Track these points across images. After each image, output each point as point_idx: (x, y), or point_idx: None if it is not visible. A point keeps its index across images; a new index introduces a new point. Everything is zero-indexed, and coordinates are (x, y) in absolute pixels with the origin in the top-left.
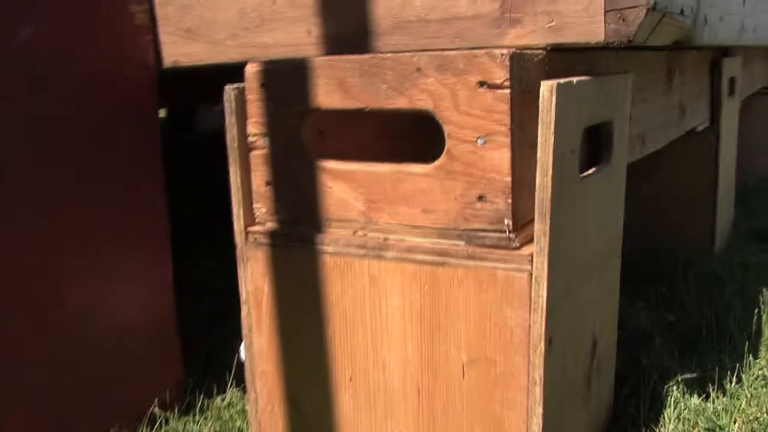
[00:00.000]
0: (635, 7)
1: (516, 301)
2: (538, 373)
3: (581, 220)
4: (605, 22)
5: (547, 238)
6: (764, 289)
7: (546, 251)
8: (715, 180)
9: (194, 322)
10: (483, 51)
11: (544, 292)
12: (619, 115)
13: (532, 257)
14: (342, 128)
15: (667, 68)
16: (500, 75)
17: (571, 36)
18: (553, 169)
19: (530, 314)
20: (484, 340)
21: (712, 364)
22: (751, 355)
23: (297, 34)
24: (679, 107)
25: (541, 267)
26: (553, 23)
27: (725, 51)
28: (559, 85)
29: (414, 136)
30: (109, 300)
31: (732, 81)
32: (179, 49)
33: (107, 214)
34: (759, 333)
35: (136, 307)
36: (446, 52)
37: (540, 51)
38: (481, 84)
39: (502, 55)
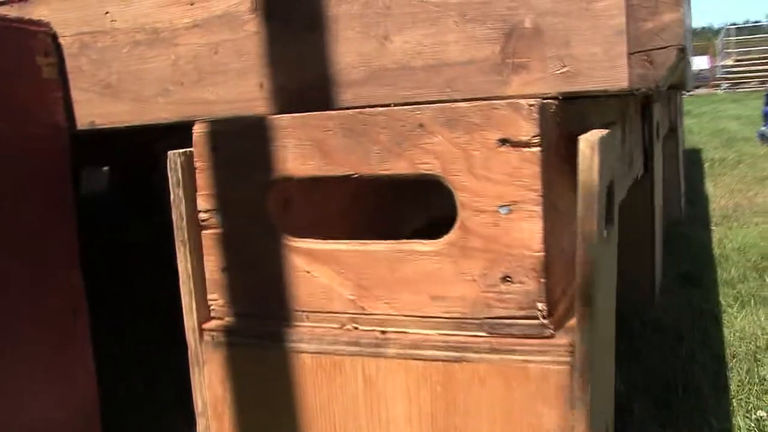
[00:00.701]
0: (665, 47)
1: (553, 399)
2: None
3: (608, 290)
4: (630, 66)
5: (593, 323)
6: (716, 336)
7: (589, 339)
8: (652, 227)
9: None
10: (504, 102)
11: (588, 387)
12: (617, 171)
13: (572, 346)
14: (309, 197)
15: (622, 116)
16: (528, 130)
17: (587, 83)
18: (597, 241)
19: (570, 413)
20: None
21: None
22: (735, 414)
23: (246, 87)
24: (629, 156)
25: (583, 358)
26: (565, 69)
27: (649, 96)
28: (601, 140)
29: (391, 200)
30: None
31: (658, 126)
32: (96, 108)
33: (10, 300)
34: (727, 387)
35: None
36: (456, 104)
37: (552, 101)
38: (503, 142)
39: (530, 105)
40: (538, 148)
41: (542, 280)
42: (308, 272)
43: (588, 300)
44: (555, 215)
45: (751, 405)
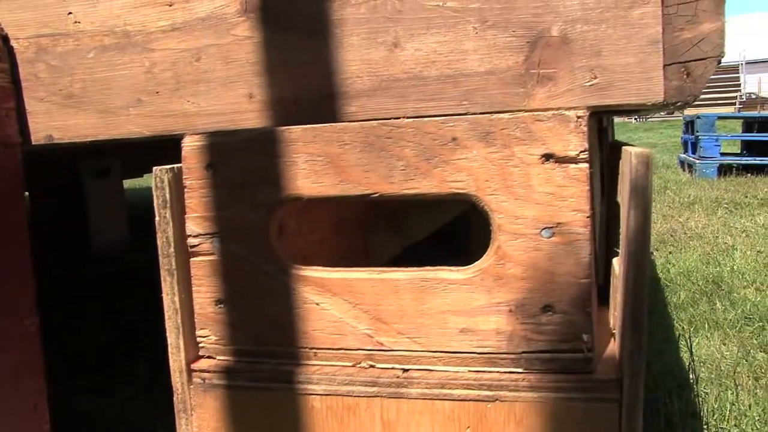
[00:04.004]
0: (703, 59)
1: None
2: None
3: None
4: (665, 79)
5: (643, 357)
6: (678, 362)
7: (642, 372)
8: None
9: None
10: (549, 113)
11: (639, 425)
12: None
13: (621, 382)
14: (300, 220)
15: (597, 134)
16: (576, 144)
17: (620, 96)
18: (648, 266)
19: None
20: None
21: None
22: None
23: (232, 98)
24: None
25: (634, 393)
26: (596, 80)
27: (600, 120)
28: (651, 155)
29: (371, 227)
30: None
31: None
32: (55, 121)
33: None
34: (696, 413)
35: None
36: (493, 116)
37: (585, 111)
38: (547, 157)
39: (579, 117)
40: (586, 165)
41: (588, 309)
42: (317, 304)
43: (640, 330)
44: (593, 237)
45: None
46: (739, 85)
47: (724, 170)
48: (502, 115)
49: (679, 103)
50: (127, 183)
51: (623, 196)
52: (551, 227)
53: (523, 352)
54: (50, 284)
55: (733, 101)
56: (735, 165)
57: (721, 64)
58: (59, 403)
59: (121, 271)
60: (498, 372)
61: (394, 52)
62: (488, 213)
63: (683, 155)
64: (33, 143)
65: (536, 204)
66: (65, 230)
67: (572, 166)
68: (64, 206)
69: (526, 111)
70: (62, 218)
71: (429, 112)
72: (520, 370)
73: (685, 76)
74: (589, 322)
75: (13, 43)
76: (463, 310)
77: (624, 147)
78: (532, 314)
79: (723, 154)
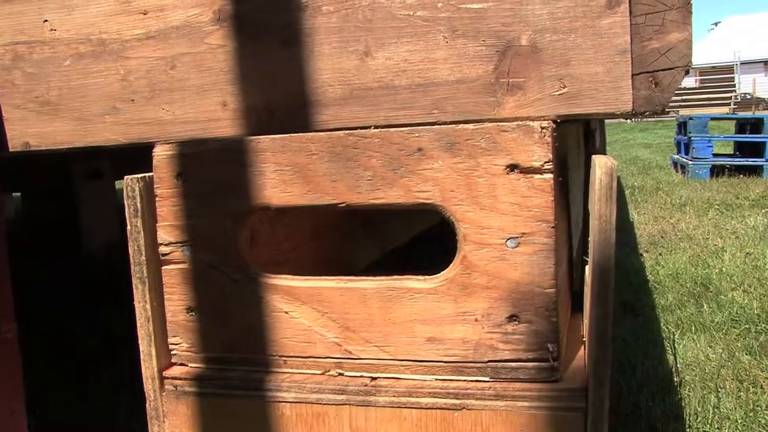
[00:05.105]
0: (671, 68)
1: None
2: None
3: None
4: (634, 88)
5: (608, 366)
6: (663, 365)
7: (607, 381)
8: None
9: None
10: (514, 124)
11: None
12: None
13: (586, 391)
14: (272, 232)
15: (578, 142)
16: (540, 155)
17: (589, 105)
18: (613, 276)
19: None
20: None
21: None
22: None
23: (206, 106)
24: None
25: (599, 403)
26: (565, 89)
27: (588, 123)
28: (615, 167)
29: (347, 233)
30: None
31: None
32: (32, 128)
33: None
34: (679, 417)
35: None
36: (459, 126)
37: (551, 123)
38: (512, 168)
39: (543, 128)
40: (551, 175)
41: (553, 319)
42: (286, 312)
43: (605, 341)
44: (558, 247)
45: None
46: (734, 86)
47: (716, 171)
48: (467, 126)
49: (647, 113)
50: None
51: (591, 205)
52: (516, 237)
53: (489, 361)
54: (40, 286)
55: (728, 101)
56: (728, 166)
57: (716, 65)
58: (38, 409)
59: (111, 273)
60: (465, 381)
61: (366, 61)
62: (454, 223)
63: (676, 156)
64: (10, 150)
65: (501, 214)
66: (56, 232)
67: (537, 176)
68: (56, 207)
69: (496, 119)
70: (54, 219)
71: (400, 120)
72: (486, 378)
73: (653, 86)
74: (555, 331)
75: None
76: (430, 318)
77: (593, 156)
78: (497, 323)
79: (716, 155)
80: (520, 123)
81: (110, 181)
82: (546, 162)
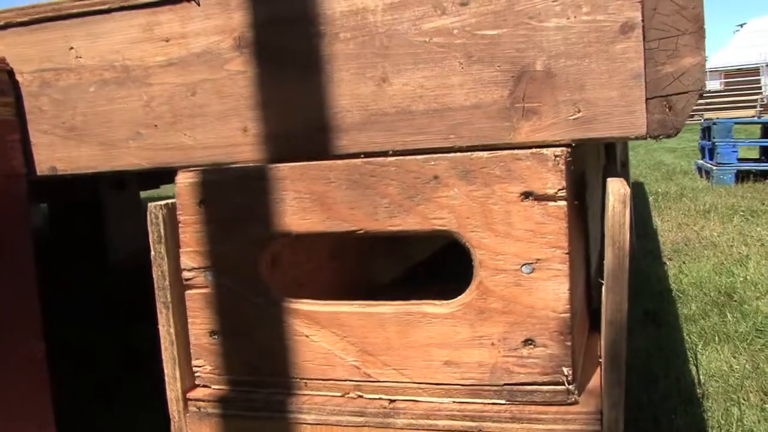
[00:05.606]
0: (685, 93)
1: None
2: None
3: None
4: (648, 112)
5: (622, 388)
6: (687, 376)
7: (621, 404)
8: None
9: None
10: (528, 152)
11: None
12: None
13: (601, 414)
14: (295, 249)
15: (597, 155)
16: (554, 182)
17: (603, 130)
18: (628, 301)
19: None
20: None
21: None
22: None
23: (227, 132)
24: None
25: (614, 426)
26: (580, 114)
27: None
28: (628, 194)
29: (369, 251)
30: None
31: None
32: (59, 152)
33: None
34: (703, 430)
35: None
36: (474, 154)
37: (565, 148)
38: (526, 195)
39: (556, 156)
40: (564, 203)
41: (568, 343)
42: (307, 336)
43: (619, 364)
44: (575, 274)
45: None
46: (761, 88)
47: (741, 176)
48: (481, 154)
49: (661, 136)
50: (145, 194)
51: (606, 231)
52: (531, 263)
53: (505, 384)
54: (67, 297)
55: (754, 104)
56: (753, 171)
57: (742, 67)
58: (63, 422)
59: (137, 284)
60: (481, 403)
61: (383, 86)
62: (470, 249)
63: (700, 161)
64: (38, 174)
65: (516, 240)
66: (83, 242)
67: (551, 203)
68: (83, 218)
69: (512, 144)
70: (80, 230)
71: (417, 145)
72: (502, 401)
73: (667, 110)
74: (569, 354)
75: (17, 77)
76: (447, 342)
77: (608, 179)
78: (513, 347)
79: (741, 160)
80: (534, 151)
81: (135, 192)
82: (560, 189)
